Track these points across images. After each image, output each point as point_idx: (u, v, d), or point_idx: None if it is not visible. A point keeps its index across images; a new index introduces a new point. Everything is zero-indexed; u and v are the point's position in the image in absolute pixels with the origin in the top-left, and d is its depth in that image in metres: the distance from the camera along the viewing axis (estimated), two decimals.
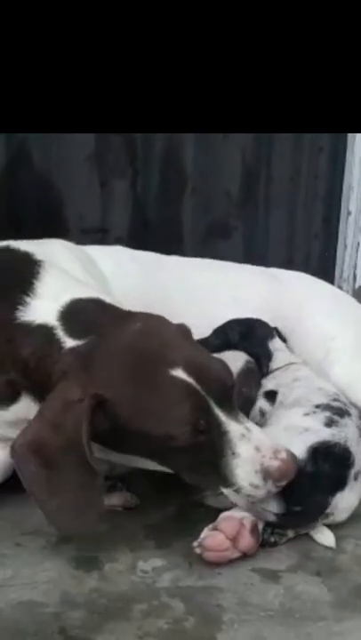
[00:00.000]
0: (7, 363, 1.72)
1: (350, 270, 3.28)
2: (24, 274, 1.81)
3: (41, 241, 2.02)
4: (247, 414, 1.94)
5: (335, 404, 1.89)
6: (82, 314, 1.74)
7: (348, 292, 3.13)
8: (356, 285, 3.28)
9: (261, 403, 1.99)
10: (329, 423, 1.82)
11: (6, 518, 1.82)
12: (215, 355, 1.88)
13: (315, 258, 3.33)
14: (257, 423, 1.90)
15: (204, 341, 2.03)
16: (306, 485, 1.72)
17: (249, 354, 2.08)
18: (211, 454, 1.63)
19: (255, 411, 1.99)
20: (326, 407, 1.87)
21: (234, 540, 1.67)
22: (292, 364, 2.08)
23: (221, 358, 1.85)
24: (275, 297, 2.30)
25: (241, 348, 2.10)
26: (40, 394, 1.68)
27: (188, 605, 1.55)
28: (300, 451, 1.74)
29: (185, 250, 3.02)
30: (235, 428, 1.65)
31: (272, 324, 2.17)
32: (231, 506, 1.73)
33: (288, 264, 3.06)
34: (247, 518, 1.69)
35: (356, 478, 1.79)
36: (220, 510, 1.74)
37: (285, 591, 1.61)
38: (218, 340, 2.11)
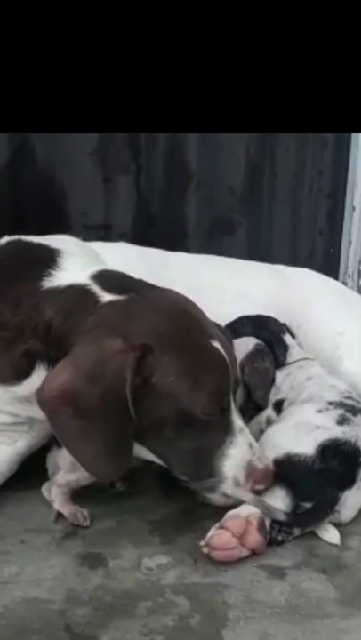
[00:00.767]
0: (27, 332, 1.69)
1: (355, 266, 3.27)
2: (44, 256, 1.79)
3: (49, 236, 2.02)
4: (268, 389, 2.02)
5: (348, 401, 1.89)
6: (115, 278, 1.74)
7: (352, 288, 3.11)
8: None
9: (269, 412, 1.99)
10: (341, 421, 1.82)
11: (11, 515, 1.82)
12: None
13: (319, 254, 3.32)
14: (262, 430, 1.94)
15: None
16: (314, 481, 1.73)
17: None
18: (213, 438, 1.66)
19: (262, 417, 1.99)
20: (339, 405, 1.87)
21: (241, 537, 1.66)
22: (306, 359, 2.08)
23: (234, 345, 1.91)
24: (280, 293, 2.30)
25: None
26: (59, 356, 1.64)
27: (194, 602, 1.55)
28: (310, 448, 1.75)
29: (189, 245, 3.01)
30: (237, 420, 1.70)
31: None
32: (234, 505, 1.73)
33: (292, 260, 3.05)
34: (254, 515, 1.68)
35: None
36: (225, 508, 1.73)
37: (291, 588, 1.61)
38: None
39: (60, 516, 1.81)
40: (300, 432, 1.79)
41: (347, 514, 1.77)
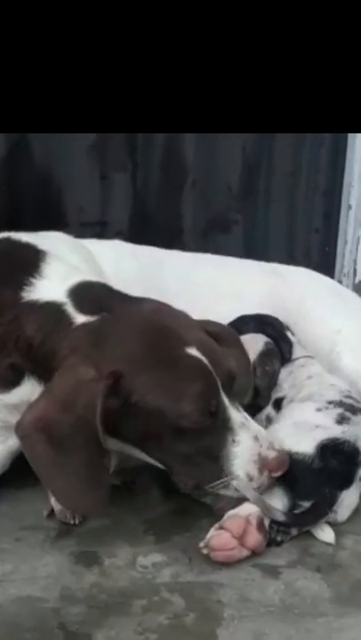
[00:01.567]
0: (9, 344, 1.69)
1: (351, 265, 3.27)
2: (29, 259, 1.79)
3: (41, 233, 2.01)
4: (272, 388, 2.00)
5: (348, 400, 1.89)
6: (92, 293, 1.73)
7: (348, 286, 3.12)
8: (357, 280, 3.27)
9: (269, 409, 1.99)
10: (340, 420, 1.82)
11: (5, 513, 1.82)
12: None
13: (315, 252, 3.32)
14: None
15: None
16: (313, 480, 1.73)
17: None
18: (213, 440, 1.65)
19: (262, 415, 1.99)
20: (338, 404, 1.87)
21: (241, 538, 1.66)
22: (307, 357, 2.08)
23: (242, 340, 1.93)
24: (276, 292, 2.29)
25: None
26: (45, 374, 1.65)
27: (188, 601, 1.55)
28: (309, 447, 1.75)
29: (185, 243, 3.01)
30: (236, 415, 1.67)
31: None
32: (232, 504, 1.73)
33: (288, 258, 3.06)
34: (253, 515, 1.68)
35: (360, 479, 1.79)
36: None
37: (285, 587, 1.61)
38: None
39: (52, 513, 1.81)
40: (299, 431, 1.79)
41: (343, 513, 1.78)
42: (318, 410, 1.85)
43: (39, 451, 1.57)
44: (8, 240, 1.90)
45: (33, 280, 1.73)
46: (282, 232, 3.26)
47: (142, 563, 1.67)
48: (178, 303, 2.16)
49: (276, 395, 2.02)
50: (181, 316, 1.74)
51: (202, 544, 1.66)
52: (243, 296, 2.26)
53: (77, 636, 1.45)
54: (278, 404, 1.99)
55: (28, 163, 2.87)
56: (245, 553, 1.67)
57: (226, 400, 1.67)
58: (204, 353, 1.64)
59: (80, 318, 1.67)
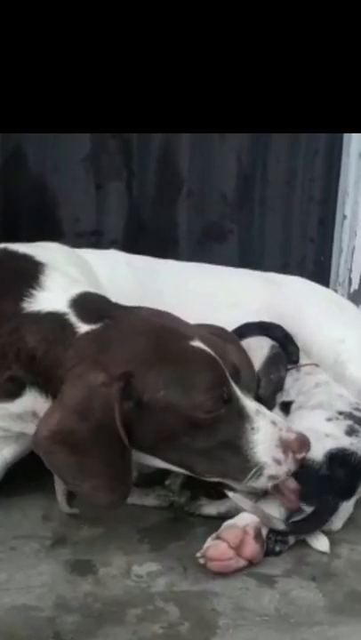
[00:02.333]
0: (10, 356, 1.69)
1: (346, 274, 3.27)
2: (27, 270, 1.79)
3: (37, 244, 2.01)
4: (273, 396, 2.01)
5: (357, 413, 1.90)
6: (92, 303, 1.74)
7: (343, 295, 3.12)
8: (352, 289, 3.27)
9: (276, 411, 1.98)
10: (350, 432, 1.84)
11: (0, 522, 1.82)
12: (242, 343, 1.99)
13: (310, 261, 3.32)
14: None
15: None
16: (318, 486, 1.74)
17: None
18: (231, 431, 1.65)
19: None
20: (349, 416, 1.88)
21: (238, 548, 1.65)
22: (312, 365, 2.08)
23: (247, 345, 1.98)
24: (273, 301, 2.29)
25: None
26: (47, 386, 1.66)
27: (183, 610, 1.55)
28: (318, 454, 1.75)
29: (180, 252, 3.01)
30: (249, 403, 1.69)
31: None
32: (227, 514, 1.73)
33: (283, 267, 3.06)
34: (250, 525, 1.68)
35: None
36: (223, 518, 1.74)
37: (281, 596, 1.61)
38: None
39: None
40: (309, 438, 1.79)
41: (337, 522, 1.78)
42: (329, 419, 1.86)
43: (63, 462, 1.58)
44: (5, 251, 1.90)
45: (33, 292, 1.73)
46: (277, 241, 3.26)
47: (137, 572, 1.67)
48: (174, 312, 2.16)
49: (283, 399, 2.02)
50: (179, 318, 1.76)
51: (199, 554, 1.66)
52: (240, 305, 2.26)
53: None
54: (286, 408, 1.99)
55: (23, 172, 2.87)
56: (242, 563, 1.67)
57: (237, 389, 1.68)
58: (208, 345, 1.67)
59: (83, 327, 1.67)
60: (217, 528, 1.70)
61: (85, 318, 1.69)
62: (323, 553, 1.74)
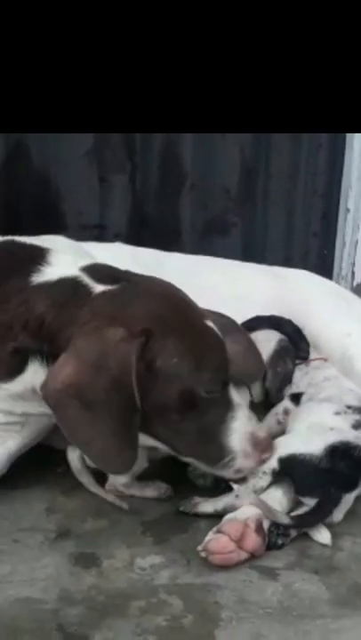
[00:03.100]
0: (15, 328, 1.69)
1: (349, 268, 3.28)
2: (35, 254, 1.79)
3: (42, 237, 2.02)
4: (280, 390, 2.03)
5: None
6: (104, 269, 1.75)
7: (346, 288, 3.11)
8: (355, 283, 3.27)
9: (287, 403, 2.00)
10: (357, 426, 1.85)
11: (4, 515, 1.82)
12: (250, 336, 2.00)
13: (313, 255, 3.32)
14: (280, 422, 1.97)
15: None
16: (318, 478, 1.75)
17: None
18: (216, 415, 1.69)
19: (279, 409, 2.00)
20: (357, 410, 1.89)
21: (239, 541, 1.65)
22: (321, 359, 2.09)
23: (255, 338, 2.00)
24: (279, 295, 2.29)
25: None
26: (52, 349, 1.65)
27: (187, 602, 1.55)
28: (318, 448, 1.76)
29: (183, 246, 3.01)
30: (235, 395, 1.73)
31: None
32: (225, 511, 1.73)
33: (287, 261, 3.05)
34: (252, 519, 1.68)
35: None
36: (219, 515, 1.74)
37: (284, 589, 1.61)
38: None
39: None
40: (313, 432, 1.81)
41: (338, 515, 1.78)
42: (337, 413, 1.87)
43: (73, 416, 1.58)
44: (11, 242, 1.91)
45: (41, 268, 1.74)
46: (280, 235, 3.26)
47: (140, 564, 1.67)
48: None
49: (293, 391, 2.03)
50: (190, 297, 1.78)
51: (200, 547, 1.66)
52: (246, 298, 2.26)
53: (75, 637, 1.45)
54: (297, 399, 2.00)
55: (26, 166, 2.87)
56: (244, 556, 1.67)
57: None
58: (218, 329, 1.71)
59: (99, 287, 1.67)
60: (219, 521, 1.71)
61: (100, 280, 1.69)
62: (325, 545, 1.75)
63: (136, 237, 2.86)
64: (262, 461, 1.74)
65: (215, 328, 1.70)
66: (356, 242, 3.26)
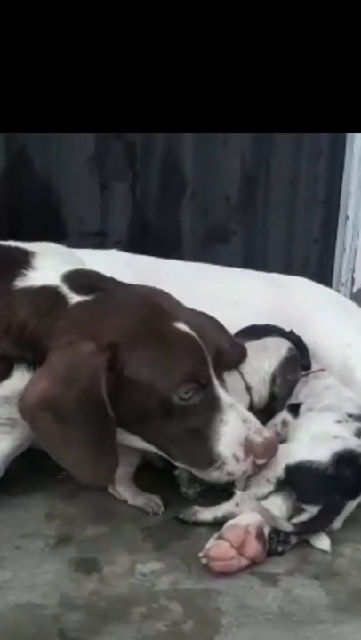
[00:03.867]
0: None
1: (348, 274, 3.29)
2: (20, 258, 1.82)
3: (32, 243, 2.02)
4: (290, 397, 2.01)
5: None
6: (85, 277, 1.77)
7: (346, 295, 3.13)
8: (355, 289, 3.28)
9: (285, 414, 1.99)
10: (359, 434, 1.85)
11: (5, 521, 1.82)
12: (258, 342, 2.00)
13: (313, 262, 3.33)
14: (278, 433, 1.94)
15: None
16: (323, 486, 1.75)
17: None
18: (202, 419, 1.67)
19: (278, 419, 1.99)
20: (358, 418, 1.89)
21: (240, 548, 1.66)
22: (321, 369, 2.09)
23: (264, 344, 1.99)
24: (278, 303, 2.27)
25: None
26: (36, 359, 1.67)
27: (187, 608, 1.55)
28: (324, 456, 1.76)
29: (184, 254, 3.02)
30: (225, 396, 1.70)
31: None
32: (224, 520, 1.74)
33: (287, 268, 3.07)
34: (252, 525, 1.68)
35: None
36: (219, 523, 1.74)
37: (284, 594, 1.61)
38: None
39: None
40: (317, 441, 1.81)
41: (338, 522, 1.78)
42: (338, 422, 1.87)
43: (47, 429, 1.61)
44: None
45: (25, 272, 1.76)
46: (280, 242, 3.28)
47: (141, 570, 1.67)
48: None
49: (291, 401, 2.02)
50: (173, 298, 1.78)
51: (201, 554, 1.67)
52: (244, 306, 2.24)
53: None
54: (295, 410, 1.99)
55: (28, 173, 2.88)
56: (244, 562, 1.67)
57: (215, 379, 1.69)
58: (193, 328, 1.68)
59: (75, 298, 1.70)
60: (220, 528, 1.71)
61: (78, 290, 1.71)
62: (324, 552, 1.75)
63: (137, 245, 2.87)
64: (257, 466, 1.72)
65: (189, 330, 1.68)
66: (356, 248, 3.27)
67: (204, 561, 1.66)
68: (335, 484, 1.75)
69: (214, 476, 1.72)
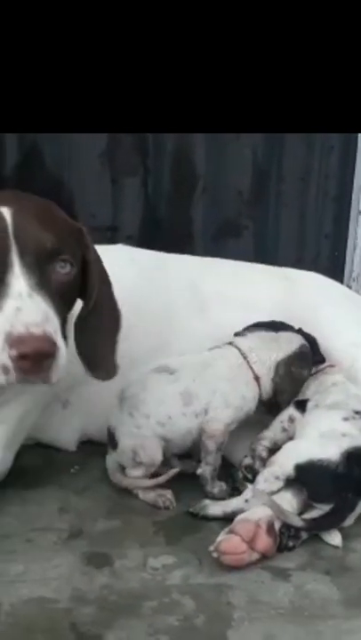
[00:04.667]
0: None
1: (360, 269, 3.28)
2: None
3: None
4: (295, 393, 2.00)
5: None
6: None
7: (357, 291, 3.12)
8: None
9: (292, 410, 1.99)
10: None
11: (17, 515, 1.83)
12: (272, 334, 2.00)
13: (325, 257, 3.32)
14: (285, 429, 1.95)
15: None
16: (335, 484, 1.75)
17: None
18: None
19: (284, 416, 1.98)
20: None
21: (251, 542, 1.66)
22: (331, 366, 2.08)
23: (277, 336, 2.00)
24: (288, 299, 2.25)
25: None
26: None
27: (199, 603, 1.56)
28: (335, 454, 1.76)
29: (195, 248, 3.02)
30: (20, 285, 1.60)
31: None
32: (233, 515, 1.74)
33: (298, 263, 3.05)
34: (263, 519, 1.69)
35: None
36: (229, 518, 1.75)
37: (295, 589, 1.62)
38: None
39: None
40: (326, 439, 1.80)
41: (351, 519, 1.78)
42: (345, 419, 1.86)
43: None
44: None
45: None
46: (292, 237, 3.27)
47: (153, 564, 1.68)
48: (182, 312, 2.14)
49: (298, 397, 2.02)
50: (33, 197, 1.77)
51: (212, 547, 1.67)
52: (253, 303, 2.22)
53: (88, 637, 1.46)
54: (302, 406, 1.98)
55: (40, 169, 2.89)
56: (255, 556, 1.68)
57: (19, 267, 1.60)
58: (15, 217, 1.64)
59: None
60: (231, 522, 1.71)
61: None
62: (336, 547, 1.75)
63: (148, 239, 2.88)
64: (19, 361, 1.55)
65: (6, 217, 1.63)
66: None
67: (215, 555, 1.66)
68: (347, 483, 1.75)
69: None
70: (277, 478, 1.78)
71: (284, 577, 1.65)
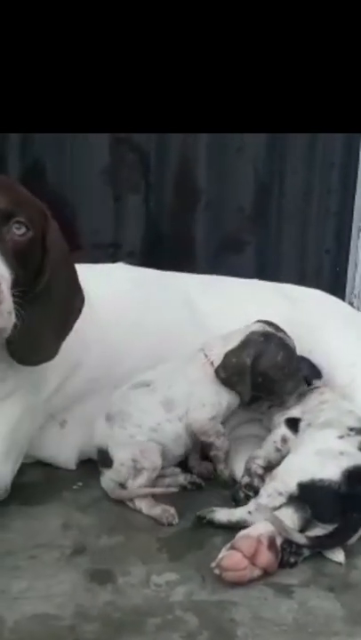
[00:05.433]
0: None
1: None
2: None
3: None
4: (243, 383, 1.99)
5: None
6: None
7: (358, 307, 3.13)
8: None
9: (284, 430, 1.99)
10: None
11: (20, 531, 1.83)
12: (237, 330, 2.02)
13: (326, 273, 3.33)
14: (278, 449, 1.96)
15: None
16: (339, 505, 1.74)
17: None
18: None
19: (277, 436, 1.99)
20: (359, 431, 1.88)
21: (252, 557, 1.66)
22: (323, 387, 2.09)
23: (235, 331, 2.02)
24: (289, 317, 2.21)
25: None
26: None
27: (202, 619, 1.56)
28: (335, 473, 1.76)
29: (197, 264, 3.03)
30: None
31: None
32: (238, 524, 1.75)
33: (300, 279, 3.06)
34: (264, 535, 1.69)
35: None
36: (233, 528, 1.75)
37: (299, 606, 1.61)
38: None
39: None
40: (324, 458, 1.80)
41: (354, 538, 1.78)
42: (340, 437, 1.85)
43: None
44: None
45: None
46: (293, 253, 3.28)
47: (156, 581, 1.68)
48: (180, 330, 2.14)
49: (285, 416, 2.02)
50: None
51: (213, 564, 1.67)
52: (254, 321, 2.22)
53: None
54: (295, 426, 1.99)
55: (42, 185, 2.90)
56: (257, 573, 1.68)
57: None
58: None
59: None
60: (234, 537, 1.72)
61: None
62: (339, 564, 1.75)
63: (150, 256, 2.89)
64: None
65: None
66: None
67: (216, 571, 1.66)
68: (351, 502, 1.75)
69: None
70: (280, 494, 1.78)
71: (287, 593, 1.65)
